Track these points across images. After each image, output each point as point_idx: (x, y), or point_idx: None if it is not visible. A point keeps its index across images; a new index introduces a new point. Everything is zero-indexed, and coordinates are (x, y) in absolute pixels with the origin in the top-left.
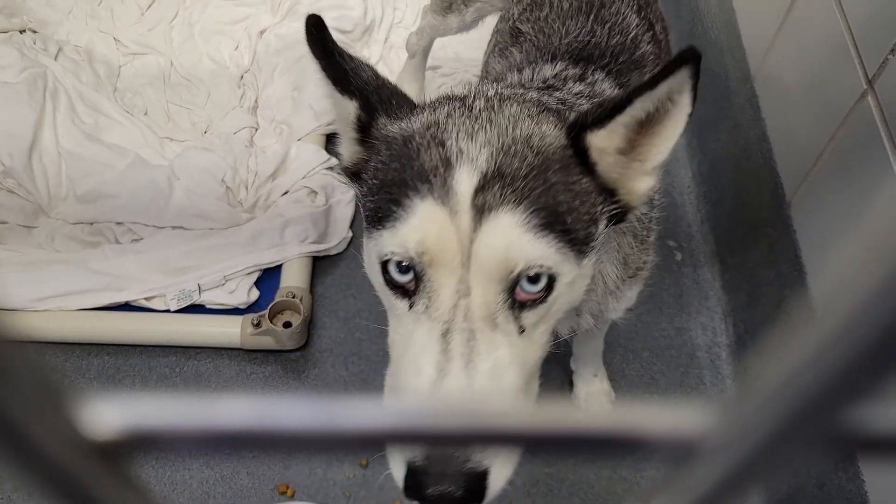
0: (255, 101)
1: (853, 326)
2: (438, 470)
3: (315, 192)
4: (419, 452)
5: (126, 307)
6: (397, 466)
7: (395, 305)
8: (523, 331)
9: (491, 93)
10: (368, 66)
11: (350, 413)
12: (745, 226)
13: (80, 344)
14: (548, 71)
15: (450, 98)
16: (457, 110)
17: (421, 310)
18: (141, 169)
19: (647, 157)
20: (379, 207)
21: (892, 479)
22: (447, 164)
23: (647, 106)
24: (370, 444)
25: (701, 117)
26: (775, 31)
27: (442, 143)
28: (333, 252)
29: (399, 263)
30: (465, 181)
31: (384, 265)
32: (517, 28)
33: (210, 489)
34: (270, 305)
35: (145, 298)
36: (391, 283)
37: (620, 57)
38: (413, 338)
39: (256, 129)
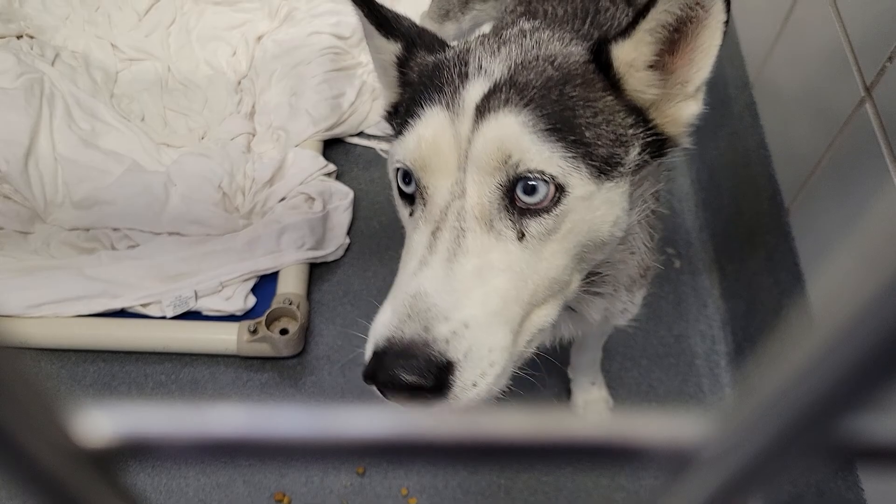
0: (253, 106)
1: (851, 334)
2: (396, 355)
3: (312, 199)
4: (385, 341)
5: (122, 314)
6: (368, 350)
7: (403, 215)
8: (523, 236)
9: (527, 27)
10: (407, 18)
11: (347, 421)
12: (743, 233)
13: (75, 351)
14: None
15: (487, 34)
16: (489, 38)
17: (419, 214)
18: (137, 175)
19: (689, 77)
20: (399, 125)
21: (891, 487)
22: (464, 77)
23: (671, 8)
24: (367, 452)
25: (699, 124)
26: (774, 38)
27: (465, 62)
28: (330, 259)
29: (404, 172)
30: (474, 89)
31: (397, 177)
32: None
33: (206, 497)
34: (267, 312)
35: (141, 305)
36: (402, 195)
37: None
38: (409, 243)
39: (253, 135)
